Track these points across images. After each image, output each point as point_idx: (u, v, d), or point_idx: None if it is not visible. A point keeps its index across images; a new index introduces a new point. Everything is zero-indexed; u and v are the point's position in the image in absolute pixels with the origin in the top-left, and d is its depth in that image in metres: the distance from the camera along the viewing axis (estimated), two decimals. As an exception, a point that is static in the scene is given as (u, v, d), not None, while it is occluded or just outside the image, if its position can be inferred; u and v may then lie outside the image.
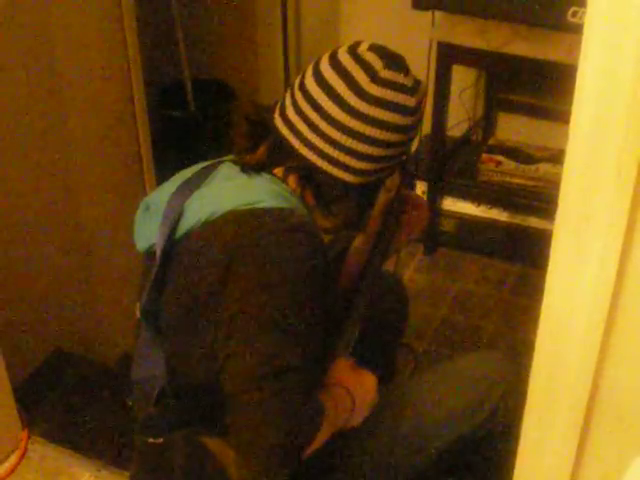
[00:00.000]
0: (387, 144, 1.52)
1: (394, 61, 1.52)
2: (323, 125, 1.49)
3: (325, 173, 1.53)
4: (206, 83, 3.80)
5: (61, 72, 2.36)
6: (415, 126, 1.57)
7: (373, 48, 1.53)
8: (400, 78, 1.51)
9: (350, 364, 1.66)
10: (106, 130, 2.57)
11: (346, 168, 1.52)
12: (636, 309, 1.00)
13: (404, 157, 1.65)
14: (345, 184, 1.55)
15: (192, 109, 3.70)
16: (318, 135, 1.50)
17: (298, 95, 1.53)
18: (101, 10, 2.43)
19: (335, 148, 1.50)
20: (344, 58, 1.51)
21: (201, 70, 3.81)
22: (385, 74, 1.50)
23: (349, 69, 1.49)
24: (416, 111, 1.54)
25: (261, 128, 1.61)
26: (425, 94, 1.59)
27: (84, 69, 2.43)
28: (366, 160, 1.52)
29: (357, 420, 1.62)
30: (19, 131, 2.30)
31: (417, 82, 1.55)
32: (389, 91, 1.49)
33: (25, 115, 2.31)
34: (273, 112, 1.59)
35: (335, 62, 1.51)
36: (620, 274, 0.96)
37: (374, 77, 1.49)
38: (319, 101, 1.50)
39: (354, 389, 1.61)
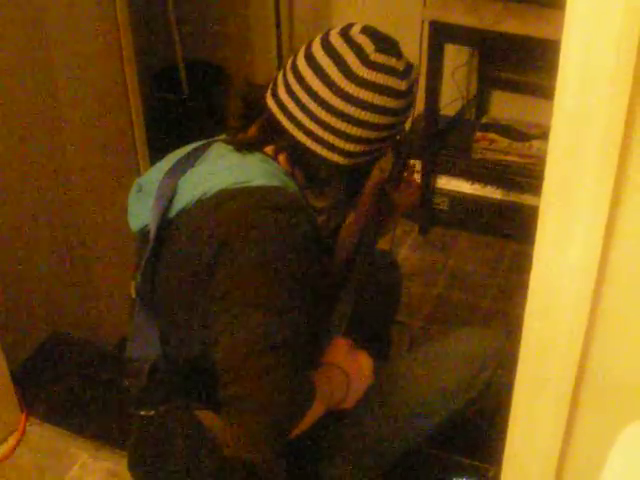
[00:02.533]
0: (377, 127, 1.52)
1: (386, 44, 1.52)
2: (313, 106, 1.50)
3: (314, 154, 1.54)
4: (199, 66, 3.80)
5: (53, 57, 2.35)
6: (406, 109, 1.57)
7: (365, 30, 1.53)
8: (391, 61, 1.51)
9: (347, 345, 1.67)
10: (100, 114, 2.57)
11: (335, 150, 1.53)
12: (623, 281, 1.01)
13: (397, 138, 1.65)
14: (335, 165, 1.55)
15: (185, 92, 3.70)
16: (308, 116, 1.51)
17: (289, 75, 1.54)
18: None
19: (324, 129, 1.51)
20: (336, 40, 1.52)
21: (194, 53, 3.81)
22: (376, 57, 1.50)
23: (340, 51, 1.50)
24: (407, 94, 1.55)
25: (254, 107, 1.61)
26: (417, 77, 1.59)
27: (76, 53, 2.43)
28: (355, 142, 1.52)
29: (351, 401, 1.63)
30: (11, 116, 2.30)
31: (409, 66, 1.55)
32: (379, 74, 1.49)
33: (16, 100, 2.31)
34: (265, 91, 1.60)
35: (327, 44, 1.52)
36: (606, 247, 0.97)
37: (365, 60, 1.49)
38: (310, 82, 1.50)
39: (350, 370, 1.62)
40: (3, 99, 2.26)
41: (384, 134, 1.55)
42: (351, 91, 1.48)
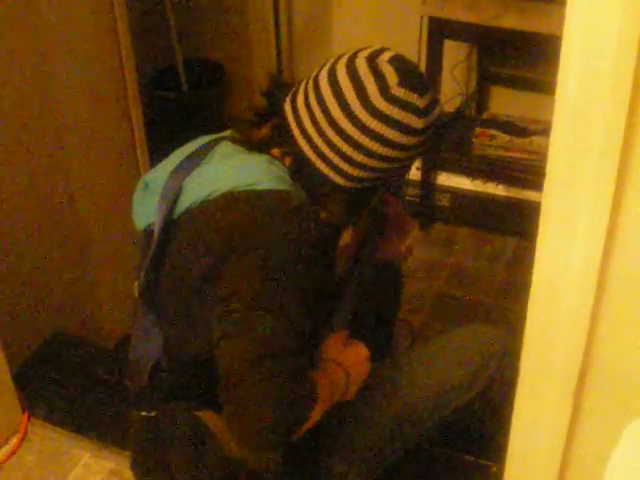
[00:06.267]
0: (383, 158, 1.49)
1: (411, 79, 1.48)
2: (324, 125, 1.48)
3: (316, 168, 1.52)
4: (198, 64, 3.80)
5: (52, 57, 2.35)
6: (419, 145, 1.53)
7: (393, 60, 1.49)
8: (412, 98, 1.47)
9: (340, 337, 1.66)
10: (99, 113, 2.57)
11: (337, 170, 1.51)
12: (626, 275, 1.01)
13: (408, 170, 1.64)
14: (333, 184, 1.54)
15: (185, 90, 3.70)
16: (318, 132, 1.49)
17: (310, 87, 1.52)
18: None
19: (331, 150, 1.49)
20: (361, 64, 1.48)
21: (193, 51, 3.80)
22: (397, 91, 1.46)
23: (362, 78, 1.47)
24: (422, 132, 1.50)
25: (271, 106, 1.60)
26: (440, 113, 1.54)
27: (75, 53, 2.42)
28: (359, 168, 1.50)
29: (351, 393, 1.63)
30: (11, 116, 2.30)
31: (432, 104, 1.51)
32: (396, 109, 1.46)
33: (14, 103, 2.30)
34: (286, 95, 1.58)
35: (351, 66, 1.48)
36: (609, 241, 0.97)
37: (384, 92, 1.46)
38: (326, 101, 1.48)
39: (347, 363, 1.61)
40: (1, 101, 2.25)
41: (392, 165, 1.52)
42: (364, 119, 1.46)
